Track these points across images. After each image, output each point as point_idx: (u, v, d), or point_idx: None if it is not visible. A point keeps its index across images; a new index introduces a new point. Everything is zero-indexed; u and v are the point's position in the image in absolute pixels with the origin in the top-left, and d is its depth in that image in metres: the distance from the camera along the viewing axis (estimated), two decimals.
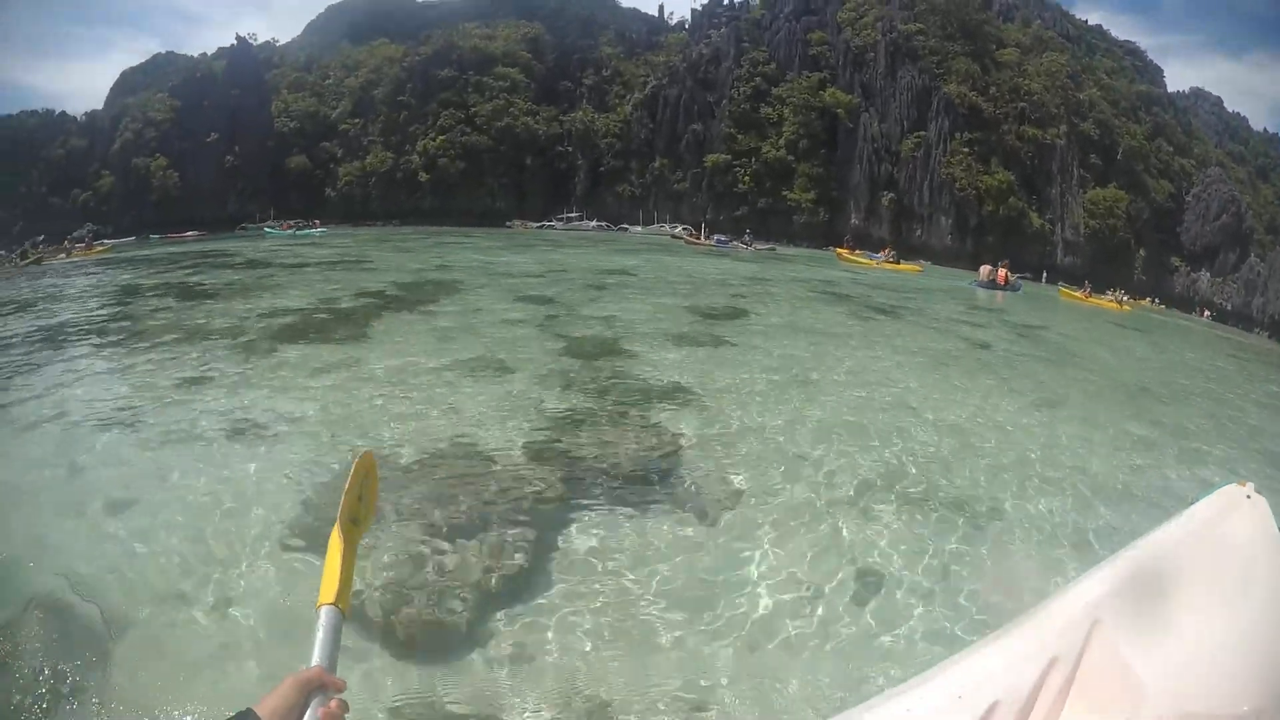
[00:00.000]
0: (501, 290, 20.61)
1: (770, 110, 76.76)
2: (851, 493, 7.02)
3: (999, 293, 33.47)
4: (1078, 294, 39.21)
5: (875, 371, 12.39)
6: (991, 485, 7.46)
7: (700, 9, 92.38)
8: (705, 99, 79.36)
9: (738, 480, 7.11)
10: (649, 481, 6.97)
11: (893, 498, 6.96)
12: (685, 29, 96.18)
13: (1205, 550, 2.19)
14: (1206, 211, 76.76)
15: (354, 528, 1.66)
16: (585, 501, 6.49)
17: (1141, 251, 74.04)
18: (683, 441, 7.98)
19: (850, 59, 77.59)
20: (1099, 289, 41.99)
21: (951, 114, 71.94)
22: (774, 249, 56.42)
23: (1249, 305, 70.82)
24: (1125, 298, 38.03)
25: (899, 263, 45.59)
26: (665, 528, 6.09)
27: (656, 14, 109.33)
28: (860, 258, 47.42)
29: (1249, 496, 2.40)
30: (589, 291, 20.98)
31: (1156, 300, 64.97)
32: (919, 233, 71.61)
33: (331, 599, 1.46)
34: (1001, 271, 36.46)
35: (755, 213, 73.23)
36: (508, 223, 74.75)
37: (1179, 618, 1.99)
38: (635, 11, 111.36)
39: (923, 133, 72.42)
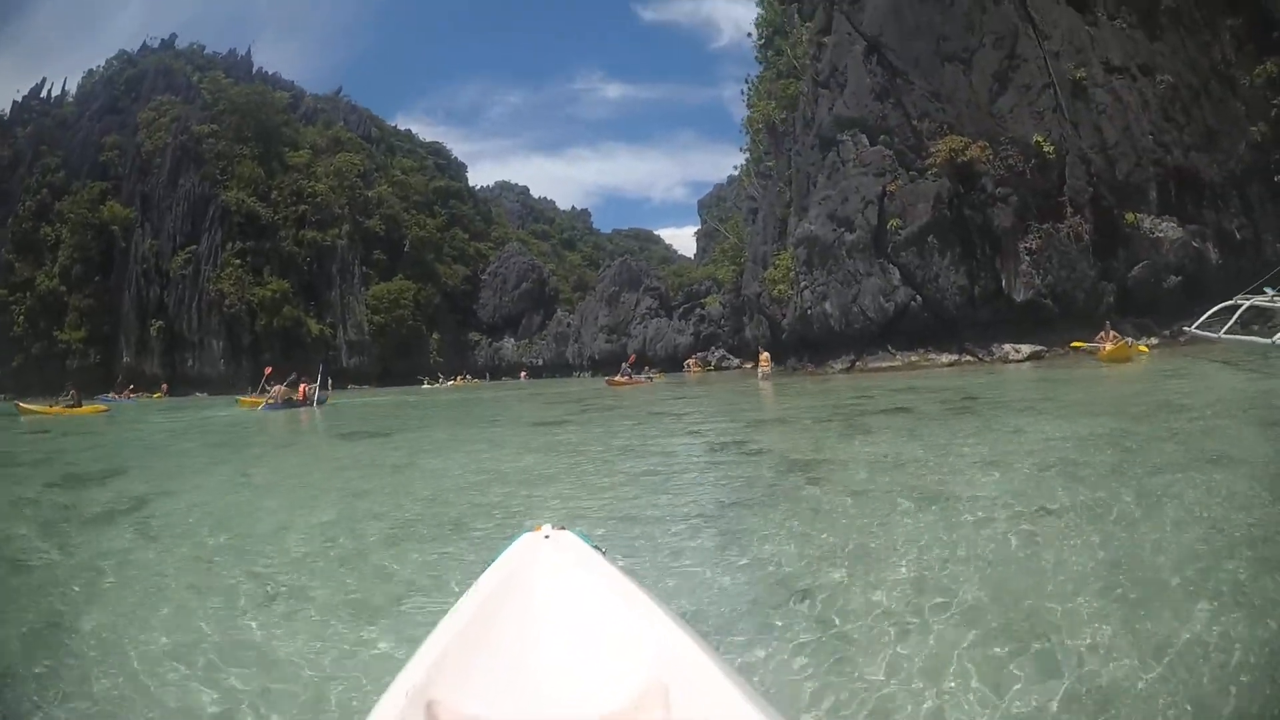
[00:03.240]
0: None
1: (50, 230, 70.81)
2: None
3: (302, 410, 31.01)
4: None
5: None
6: None
7: (19, 102, 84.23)
8: None
9: None
10: None
11: None
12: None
13: (521, 594, 2.41)
14: (504, 285, 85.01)
15: None
16: None
17: (435, 335, 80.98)
18: None
19: (138, 166, 74.36)
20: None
21: (227, 223, 72.32)
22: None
23: (563, 355, 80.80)
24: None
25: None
26: None
27: None
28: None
29: (547, 536, 2.76)
30: None
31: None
32: (191, 363, 68.62)
33: None
34: (303, 387, 34.30)
35: (32, 361, 65.96)
36: None
37: (516, 658, 2.14)
38: None
39: (195, 247, 70.78)
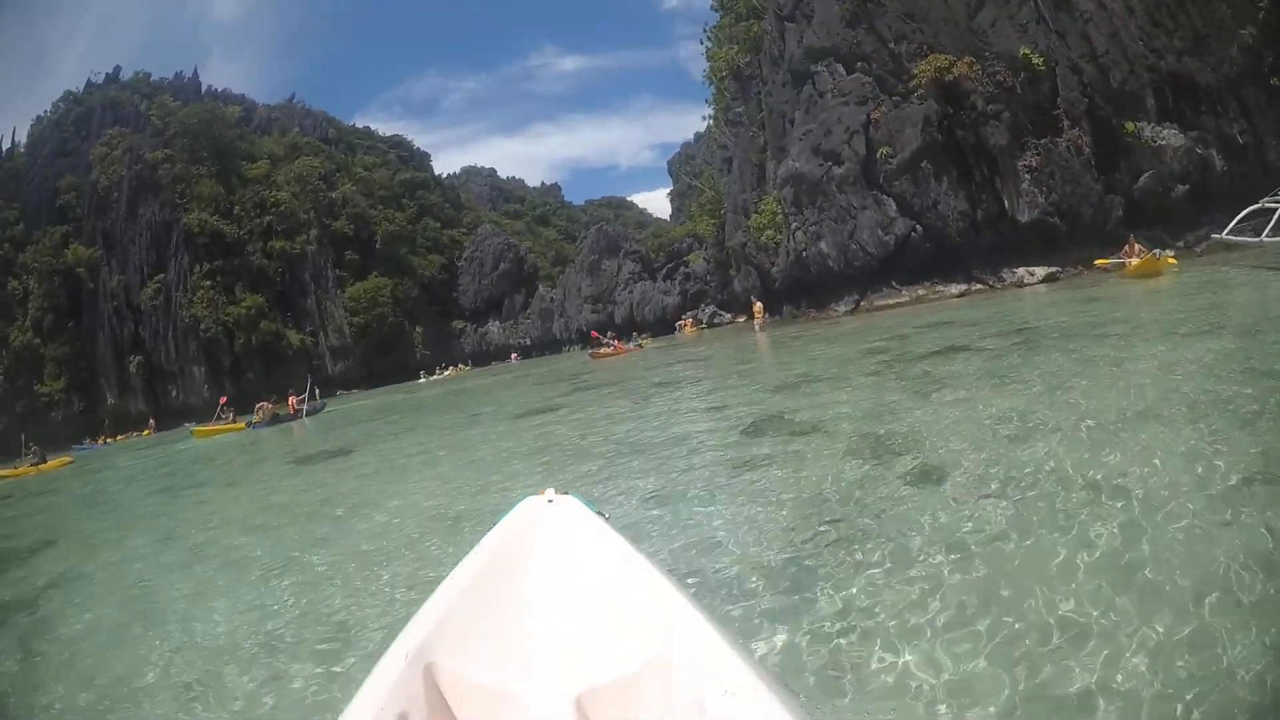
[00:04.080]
0: None
1: (17, 283, 68.50)
2: None
3: (294, 424, 30.23)
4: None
5: None
6: None
7: None
8: None
9: None
10: None
11: None
12: None
13: (524, 557, 2.44)
14: (482, 268, 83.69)
15: None
16: None
17: (418, 329, 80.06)
18: None
19: (96, 203, 72.29)
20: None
21: (192, 246, 70.69)
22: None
23: (550, 331, 79.82)
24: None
25: None
26: None
27: None
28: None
29: (550, 501, 2.76)
30: None
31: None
32: (175, 393, 67.31)
33: None
34: (292, 399, 33.76)
35: (15, 420, 59.46)
36: None
37: (517, 623, 2.17)
38: None
39: (163, 275, 68.92)
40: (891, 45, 29.68)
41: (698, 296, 65.66)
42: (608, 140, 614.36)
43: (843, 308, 30.98)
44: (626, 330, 58.90)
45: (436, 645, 1.97)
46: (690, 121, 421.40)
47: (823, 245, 31.26)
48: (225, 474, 15.11)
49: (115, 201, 71.79)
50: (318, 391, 38.04)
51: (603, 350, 36.62)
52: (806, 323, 30.75)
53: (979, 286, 27.57)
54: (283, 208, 76.58)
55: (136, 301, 68.77)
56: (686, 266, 69.17)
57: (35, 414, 63.80)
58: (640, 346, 41.50)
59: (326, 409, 37.11)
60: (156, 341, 68.09)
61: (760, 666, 1.77)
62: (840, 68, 30.86)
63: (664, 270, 71.66)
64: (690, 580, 3.93)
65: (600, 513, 2.69)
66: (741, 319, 52.26)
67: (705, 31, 50.22)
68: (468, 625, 2.11)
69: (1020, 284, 25.94)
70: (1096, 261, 22.70)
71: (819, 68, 31.49)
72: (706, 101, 53.29)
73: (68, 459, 32.34)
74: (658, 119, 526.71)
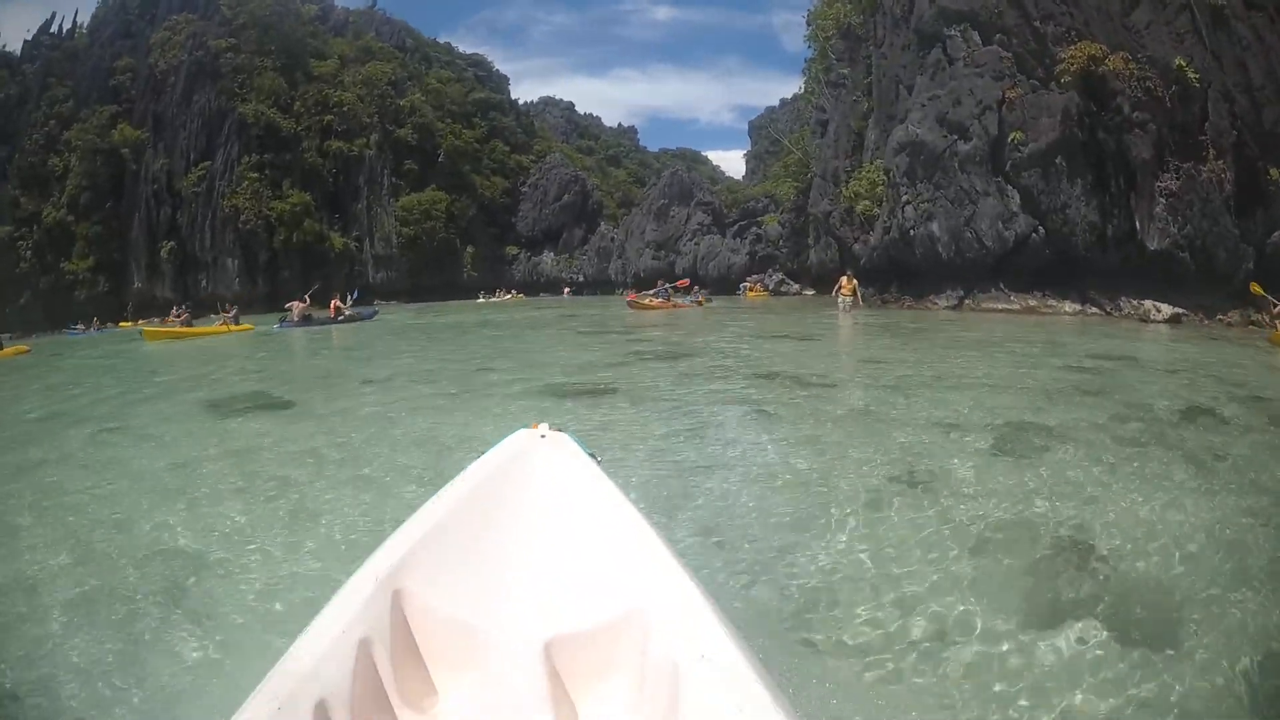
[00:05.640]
0: None
1: (58, 160, 67.53)
2: None
3: (333, 328, 29.33)
4: None
5: None
6: None
7: (29, 40, 77.21)
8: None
9: None
10: None
11: None
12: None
13: (508, 492, 2.40)
14: (545, 197, 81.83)
15: None
16: None
17: (470, 248, 78.35)
18: None
19: (151, 86, 70.93)
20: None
21: (244, 137, 69.25)
22: None
23: (605, 271, 77.80)
24: None
25: None
26: None
27: None
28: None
29: (543, 436, 2.73)
30: None
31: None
32: (205, 283, 65.69)
33: None
34: (335, 302, 32.82)
35: (39, 296, 63.59)
36: None
37: (492, 558, 2.13)
38: None
39: (209, 163, 67.93)
40: (1036, 23, 26.47)
41: (766, 260, 62.64)
42: (689, 94, 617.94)
43: (943, 302, 28.31)
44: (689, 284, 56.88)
45: (407, 572, 1.95)
46: (774, 88, 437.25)
47: (934, 227, 28.32)
48: (161, 409, 11.26)
49: (171, 86, 70.69)
50: (361, 298, 36.50)
51: (647, 300, 33.18)
52: (900, 312, 28.10)
53: (1093, 310, 24.75)
54: (346, 108, 74.41)
55: (178, 187, 68.06)
56: (759, 227, 65.91)
57: (59, 292, 64.21)
58: (699, 303, 37.98)
59: (377, 316, 36.07)
60: (193, 229, 67.36)
61: (738, 633, 1.74)
62: (976, 36, 27.77)
63: (735, 227, 68.44)
64: None
65: (593, 454, 2.67)
66: (809, 291, 49.79)
67: None
68: (442, 555, 2.07)
69: (1144, 318, 22.84)
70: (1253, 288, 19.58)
71: (952, 31, 28.38)
72: (806, 62, 50.55)
73: (24, 348, 30.06)
74: (742, 81, 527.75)
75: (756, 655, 1.64)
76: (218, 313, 34.61)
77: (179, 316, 33.11)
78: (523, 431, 2.74)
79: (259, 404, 10.83)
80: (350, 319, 32.22)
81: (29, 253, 65.36)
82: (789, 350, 16.14)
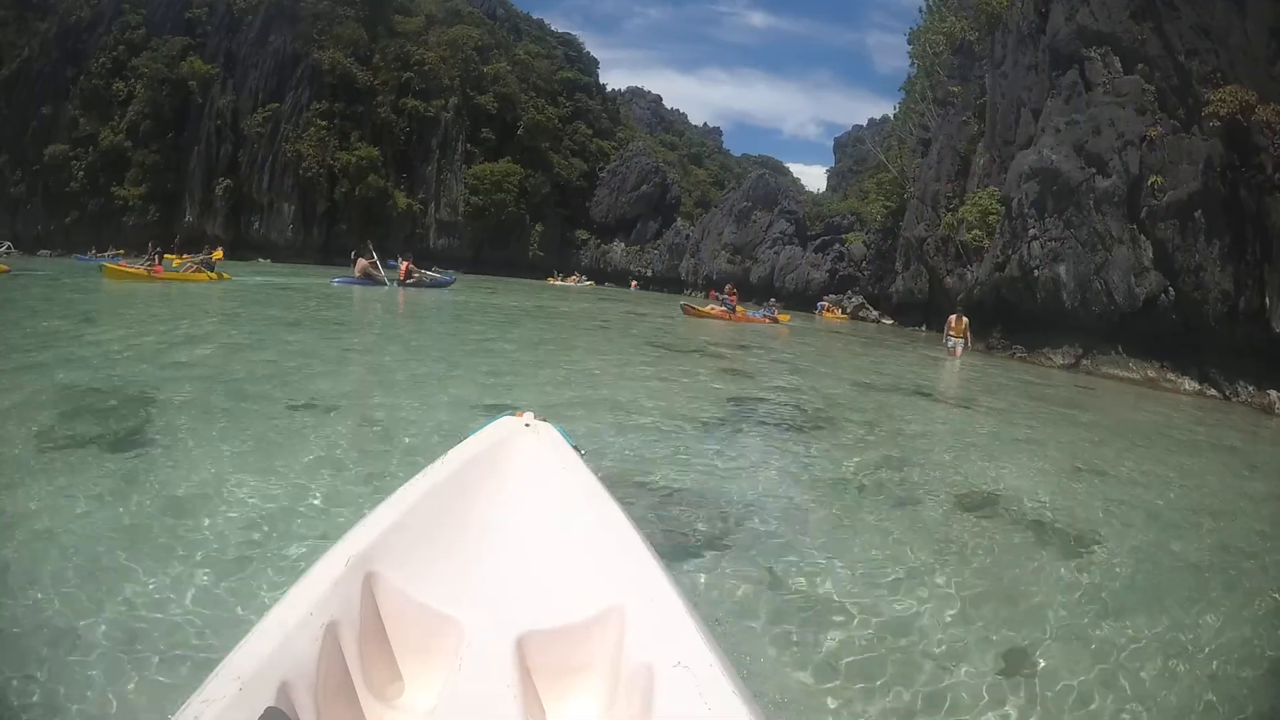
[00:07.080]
0: None
1: (122, 85, 67.49)
2: None
3: (400, 290, 28.98)
4: None
5: None
6: None
7: None
8: (64, 75, 67.67)
9: None
10: None
11: None
12: None
13: (489, 479, 2.39)
14: (623, 185, 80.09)
15: None
16: None
17: (539, 226, 76.60)
18: None
19: (227, 23, 70.99)
20: None
21: (316, 83, 68.66)
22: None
23: (676, 269, 75.34)
24: None
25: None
26: None
27: None
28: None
29: (528, 425, 2.72)
30: None
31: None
32: (257, 226, 66.05)
33: None
34: (405, 264, 30.91)
35: (87, 217, 64.76)
36: None
37: (468, 547, 2.12)
38: None
39: (276, 105, 67.36)
40: (1180, 57, 22.74)
41: (846, 280, 59.26)
42: (775, 102, 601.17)
43: (1059, 359, 24.92)
44: (762, 292, 55.53)
45: (380, 555, 1.94)
46: (861, 107, 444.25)
47: (1061, 270, 24.63)
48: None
49: (247, 24, 70.86)
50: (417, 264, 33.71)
51: (709, 308, 30.20)
52: (1012, 363, 24.76)
53: (1212, 392, 21.11)
54: (426, 68, 73.07)
55: (242, 126, 67.72)
56: (842, 244, 62.69)
57: (109, 215, 65.06)
58: (775, 320, 32.35)
59: (455, 284, 34.78)
60: (252, 169, 66.85)
61: (715, 639, 1.74)
62: (1117, 62, 24.24)
63: (817, 242, 65.34)
64: None
65: (576, 446, 2.67)
66: (888, 320, 46.28)
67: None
68: (416, 539, 2.05)
69: (1269, 408, 19.21)
70: None
71: (1092, 53, 24.90)
72: (908, 79, 49.05)
73: (3, 266, 28.36)
74: (831, 97, 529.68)
75: (731, 666, 1.62)
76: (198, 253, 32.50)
77: (152, 258, 30.36)
78: (507, 418, 2.72)
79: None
80: (419, 283, 30.67)
81: (81, 173, 65.68)
82: (957, 427, 11.00)
